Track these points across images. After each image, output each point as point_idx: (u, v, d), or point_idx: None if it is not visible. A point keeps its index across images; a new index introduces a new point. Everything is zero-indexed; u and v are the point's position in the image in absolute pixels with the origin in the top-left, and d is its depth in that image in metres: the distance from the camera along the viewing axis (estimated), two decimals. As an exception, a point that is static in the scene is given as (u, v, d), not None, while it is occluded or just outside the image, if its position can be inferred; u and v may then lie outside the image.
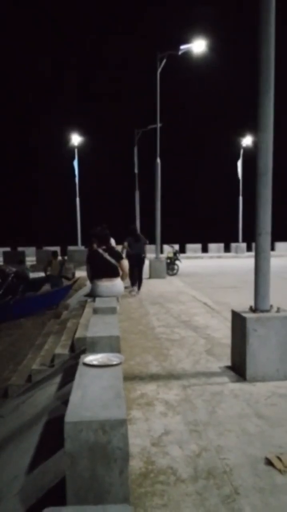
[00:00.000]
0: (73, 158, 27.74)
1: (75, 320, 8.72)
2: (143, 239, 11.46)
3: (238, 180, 31.02)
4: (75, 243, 27.69)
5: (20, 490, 3.19)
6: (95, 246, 8.64)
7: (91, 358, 3.15)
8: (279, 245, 29.33)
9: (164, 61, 16.00)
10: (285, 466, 2.90)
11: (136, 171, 28.40)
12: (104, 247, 6.22)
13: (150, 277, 14.81)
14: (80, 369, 2.97)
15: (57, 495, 2.66)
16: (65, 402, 4.15)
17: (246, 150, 30.06)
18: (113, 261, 6.09)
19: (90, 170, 32.60)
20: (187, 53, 16.10)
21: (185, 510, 2.51)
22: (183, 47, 15.72)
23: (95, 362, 3.07)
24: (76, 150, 27.63)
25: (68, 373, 5.35)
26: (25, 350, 8.47)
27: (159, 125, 16.19)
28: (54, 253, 14.96)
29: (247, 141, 30.13)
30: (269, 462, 2.98)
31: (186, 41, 15.76)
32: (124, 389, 2.62)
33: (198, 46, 15.75)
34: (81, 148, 28.29)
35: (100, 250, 6.16)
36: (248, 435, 3.39)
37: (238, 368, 4.82)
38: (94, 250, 6.36)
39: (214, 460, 3.04)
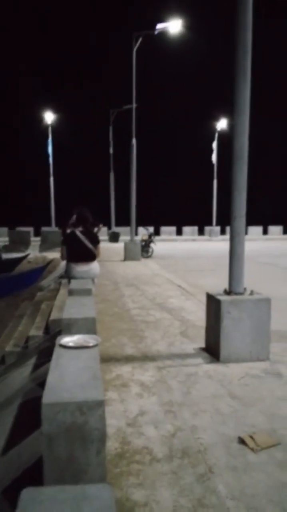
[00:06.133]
0: (47, 136, 27.21)
1: (50, 301, 8.66)
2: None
3: (213, 163, 31.12)
4: (49, 224, 27.34)
5: (-6, 471, 3.18)
6: (68, 229, 8.53)
7: (67, 340, 3.13)
8: (252, 229, 29.72)
9: (140, 40, 15.75)
10: (258, 445, 2.98)
11: (111, 151, 28.10)
12: (81, 229, 6.14)
13: (125, 259, 14.82)
14: (57, 350, 2.95)
15: (33, 476, 2.66)
16: (40, 383, 4.14)
17: (221, 133, 30.12)
18: (90, 245, 6.04)
19: (64, 149, 32.04)
20: (163, 33, 15.88)
21: (161, 489, 2.56)
22: (159, 26, 15.50)
23: (71, 344, 3.05)
24: (49, 129, 27.09)
25: (43, 354, 5.32)
26: (-2, 331, 8.37)
27: (134, 105, 16.00)
28: None
29: (222, 124, 30.15)
30: (242, 441, 3.05)
31: (163, 20, 15.54)
32: (100, 371, 2.62)
33: (174, 25, 15.55)
34: (55, 127, 27.75)
35: (78, 233, 6.07)
36: (222, 415, 3.46)
37: (212, 350, 4.90)
38: (72, 232, 6.27)
39: (189, 439, 3.10)
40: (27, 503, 1.52)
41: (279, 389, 3.97)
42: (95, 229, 10.94)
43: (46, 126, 27.14)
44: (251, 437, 3.08)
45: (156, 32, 15.58)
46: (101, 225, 12.04)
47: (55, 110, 27.69)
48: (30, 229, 26.38)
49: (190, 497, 2.48)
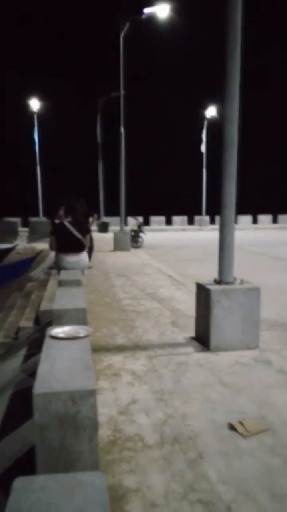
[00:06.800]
0: (33, 124, 26.88)
1: (39, 292, 8.64)
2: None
3: (202, 152, 31.06)
4: (37, 214, 27.16)
5: (-13, 461, 3.19)
6: (57, 220, 8.51)
7: (58, 331, 3.13)
8: (242, 218, 29.83)
9: (127, 25, 15.54)
10: (248, 430, 3.03)
11: (99, 140, 27.91)
12: (70, 219, 6.12)
13: (115, 249, 14.81)
14: (47, 341, 2.96)
15: (25, 465, 2.68)
16: (31, 374, 4.14)
17: (210, 121, 30.03)
18: (79, 236, 6.03)
19: (52, 138, 31.75)
20: (152, 20, 15.73)
21: (152, 475, 2.59)
22: (146, 10, 15.33)
23: (62, 335, 3.06)
24: (35, 116, 26.73)
25: (34, 346, 5.32)
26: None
27: (122, 92, 15.84)
28: None
29: (211, 112, 30.03)
30: (232, 427, 3.10)
31: (153, 5, 15.38)
32: (91, 361, 2.63)
33: (162, 10, 15.38)
34: (42, 115, 27.41)
35: (67, 223, 6.06)
36: (212, 403, 3.50)
37: (202, 339, 4.94)
38: (61, 223, 6.24)
39: (180, 426, 3.14)
40: (19, 492, 1.53)
41: (269, 377, 4.03)
42: (90, 219, 10.98)
43: (32, 114, 26.76)
44: (241, 423, 3.13)
45: (143, 17, 15.40)
46: (96, 216, 12.07)
47: (42, 97, 27.33)
48: (18, 220, 26.16)
49: (181, 482, 2.52)
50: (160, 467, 2.66)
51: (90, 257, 10.88)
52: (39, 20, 59.51)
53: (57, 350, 2.75)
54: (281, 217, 32.35)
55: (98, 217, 26.46)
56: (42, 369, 2.43)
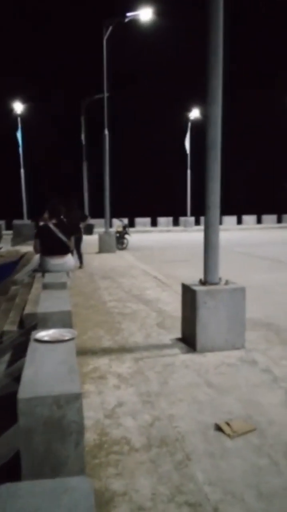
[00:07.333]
0: (17, 126, 26.66)
1: (24, 296, 8.55)
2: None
3: (186, 153, 31.18)
4: (21, 217, 26.92)
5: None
6: (41, 222, 8.46)
7: (43, 334, 3.10)
8: (226, 219, 30.00)
9: (111, 28, 15.58)
10: (234, 431, 3.04)
11: (83, 142, 27.83)
12: (54, 221, 6.08)
13: (100, 251, 14.76)
14: (32, 345, 2.92)
15: (11, 470, 2.65)
16: (15, 378, 4.09)
17: (194, 122, 30.19)
18: (64, 238, 5.99)
19: (35, 139, 31.51)
20: (135, 23, 15.80)
21: (139, 478, 2.58)
22: (129, 14, 15.43)
23: (46, 338, 3.03)
24: (19, 119, 26.52)
25: (18, 349, 5.26)
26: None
27: (106, 94, 15.86)
28: None
29: (195, 113, 30.21)
30: (218, 428, 3.10)
31: (136, 9, 15.49)
32: (76, 364, 2.61)
33: (145, 13, 15.49)
34: (25, 116, 27.19)
35: (51, 226, 6.01)
36: (198, 403, 3.51)
37: (188, 340, 4.94)
38: (45, 225, 6.20)
39: (167, 428, 3.13)
40: (5, 499, 1.51)
41: (255, 377, 4.05)
42: (81, 224, 11.02)
43: (16, 116, 26.53)
44: (228, 423, 3.13)
45: (126, 20, 15.47)
46: (89, 218, 12.04)
47: (27, 99, 27.12)
48: (2, 222, 25.93)
49: (168, 485, 2.51)
50: (147, 470, 2.65)
51: (81, 259, 10.90)
52: (25, 20, 59.15)
53: (42, 354, 2.73)
54: (265, 218, 32.66)
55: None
56: (27, 373, 2.41)
